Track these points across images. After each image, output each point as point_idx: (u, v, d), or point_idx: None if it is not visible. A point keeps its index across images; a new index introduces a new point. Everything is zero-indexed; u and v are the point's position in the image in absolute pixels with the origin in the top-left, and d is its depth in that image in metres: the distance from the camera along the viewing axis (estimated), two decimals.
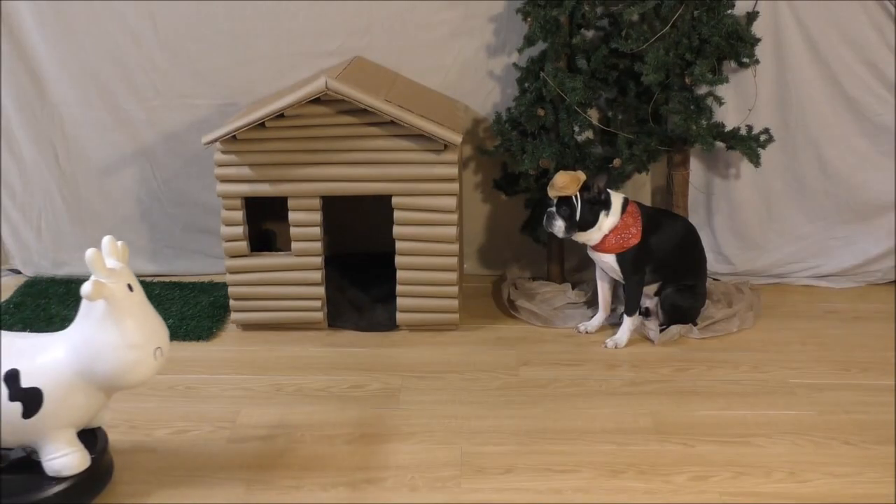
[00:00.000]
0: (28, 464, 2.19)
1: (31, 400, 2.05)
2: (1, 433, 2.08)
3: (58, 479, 2.12)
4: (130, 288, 2.04)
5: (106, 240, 2.08)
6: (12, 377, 2.05)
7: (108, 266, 2.02)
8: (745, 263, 3.50)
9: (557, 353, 2.96)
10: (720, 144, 3.23)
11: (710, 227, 3.50)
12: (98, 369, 2.04)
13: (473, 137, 3.44)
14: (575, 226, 2.90)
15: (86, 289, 1.97)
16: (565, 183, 2.85)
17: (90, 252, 1.98)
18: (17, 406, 2.05)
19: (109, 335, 2.01)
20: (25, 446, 2.17)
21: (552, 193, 2.89)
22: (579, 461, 2.37)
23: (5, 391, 2.04)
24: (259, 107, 2.92)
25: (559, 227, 2.91)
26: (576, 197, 2.87)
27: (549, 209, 2.92)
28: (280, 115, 2.83)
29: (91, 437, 2.24)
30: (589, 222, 2.90)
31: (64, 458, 2.12)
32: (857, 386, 2.75)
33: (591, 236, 2.93)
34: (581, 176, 2.88)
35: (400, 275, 3.02)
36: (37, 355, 2.07)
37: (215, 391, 2.74)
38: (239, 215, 2.96)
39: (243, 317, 3.10)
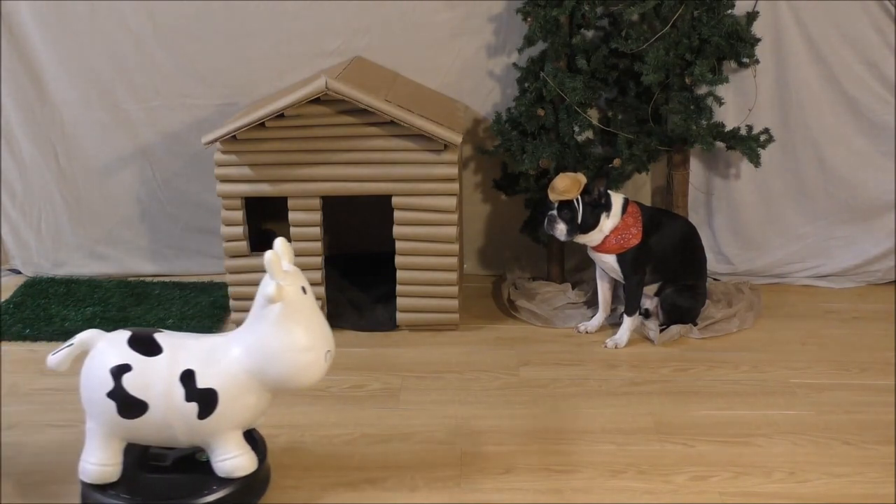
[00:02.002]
0: (190, 463, 2.19)
1: (206, 401, 2.04)
2: (174, 433, 2.07)
3: (228, 481, 2.12)
4: (304, 290, 2.04)
5: (279, 241, 2.05)
6: (188, 378, 2.04)
7: (283, 268, 2.01)
8: (745, 263, 3.50)
9: (557, 353, 2.96)
10: (720, 144, 3.23)
11: (710, 227, 3.49)
12: (271, 371, 2.03)
13: (473, 137, 3.44)
14: (577, 229, 2.89)
15: (269, 291, 1.96)
16: (566, 187, 2.84)
17: (269, 254, 1.97)
18: (193, 407, 2.04)
19: (284, 337, 2.01)
20: (195, 446, 2.17)
21: (553, 197, 2.88)
22: (579, 461, 2.37)
23: (181, 391, 2.03)
24: (259, 107, 2.92)
25: (561, 230, 2.90)
26: (577, 200, 2.86)
27: (551, 213, 2.91)
28: (280, 115, 2.83)
29: (249, 439, 2.22)
30: (590, 225, 2.89)
31: (235, 460, 2.11)
32: (857, 386, 2.75)
33: (593, 237, 2.93)
34: (582, 179, 2.87)
35: (400, 275, 3.02)
36: (211, 356, 2.06)
37: None
38: (239, 215, 2.96)
39: (243, 317, 3.07)
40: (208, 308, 3.27)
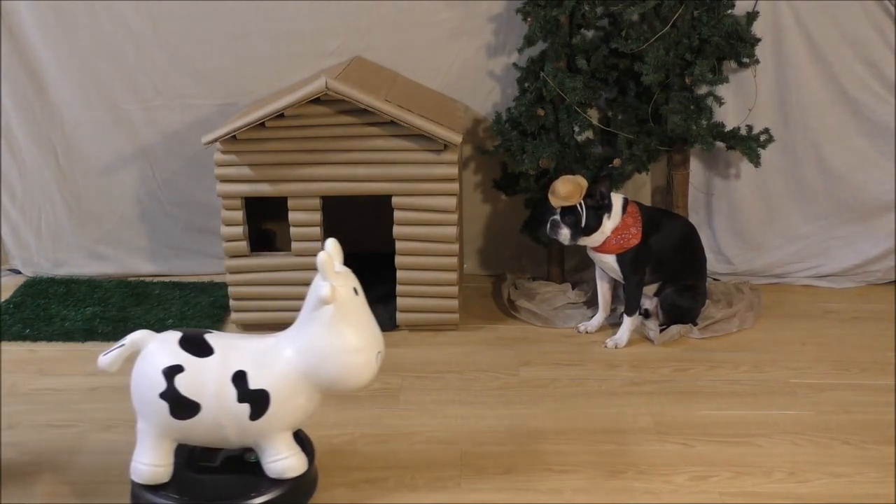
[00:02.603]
0: (238, 463, 2.19)
1: (258, 402, 2.04)
2: (226, 434, 2.07)
3: (279, 482, 2.12)
4: (356, 291, 2.04)
5: (331, 242, 2.04)
6: (240, 378, 2.04)
7: (336, 269, 2.01)
8: (745, 263, 3.50)
9: (557, 353, 2.96)
10: (720, 144, 3.23)
11: (710, 227, 3.49)
12: (322, 372, 2.03)
13: (473, 137, 3.44)
14: (580, 232, 2.89)
15: (323, 292, 1.96)
16: (569, 192, 2.83)
17: (322, 255, 1.97)
18: (245, 408, 2.03)
19: (337, 338, 2.00)
20: (244, 447, 2.16)
21: (556, 203, 2.86)
22: (579, 461, 2.37)
23: (234, 393, 2.03)
24: (259, 107, 2.92)
25: (565, 235, 2.89)
26: (580, 205, 2.86)
27: (553, 217, 2.90)
28: (280, 115, 2.83)
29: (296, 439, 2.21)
30: (593, 228, 2.89)
31: (286, 461, 2.11)
32: (857, 386, 2.75)
33: (594, 239, 2.93)
34: (583, 183, 2.86)
35: (400, 275, 3.02)
36: (262, 357, 2.06)
37: None
38: (239, 215, 2.96)
39: (243, 317, 3.10)
40: (208, 308, 3.27)
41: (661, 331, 3.02)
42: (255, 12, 3.29)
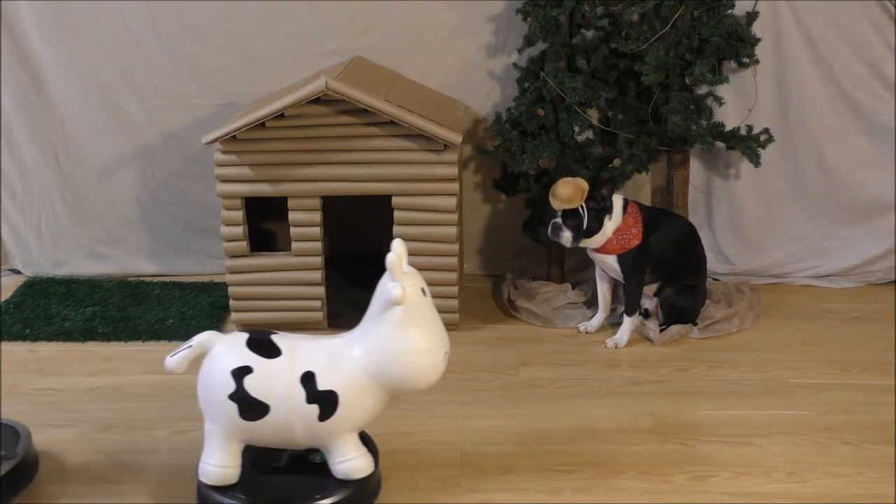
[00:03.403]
0: (303, 464, 2.19)
1: (327, 403, 2.03)
2: (294, 435, 2.07)
3: (346, 482, 2.11)
4: (423, 292, 2.04)
5: (398, 243, 2.04)
6: (309, 379, 2.03)
7: (404, 270, 2.01)
8: (745, 263, 3.50)
9: (557, 353, 2.96)
10: (720, 144, 3.23)
11: (710, 227, 3.50)
12: (391, 373, 2.02)
13: (473, 137, 3.44)
14: (582, 235, 2.89)
15: (395, 293, 1.96)
16: (570, 195, 2.83)
17: (392, 256, 1.98)
18: (314, 409, 2.03)
19: (405, 339, 2.00)
20: (311, 447, 2.16)
21: (557, 206, 2.86)
22: (579, 461, 2.37)
23: (302, 393, 2.03)
24: (259, 107, 2.92)
25: (567, 238, 2.89)
26: (582, 207, 2.85)
27: (555, 220, 2.89)
28: (280, 115, 2.83)
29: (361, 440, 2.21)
30: (595, 229, 2.89)
31: (354, 462, 2.11)
32: (857, 386, 2.75)
33: (595, 240, 2.93)
34: (584, 185, 2.86)
35: None
36: (330, 358, 2.06)
37: None
38: (239, 215, 2.96)
39: (243, 317, 3.10)
40: (208, 308, 3.27)
41: (661, 331, 3.02)
42: (255, 12, 3.29)
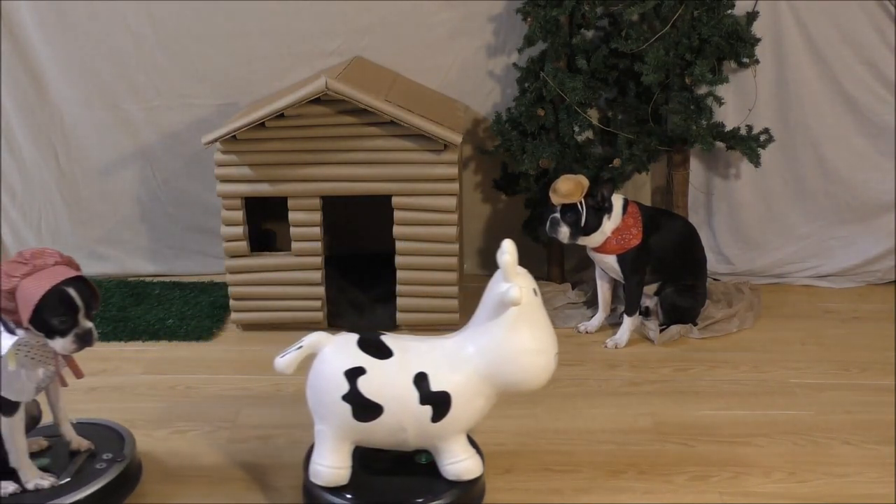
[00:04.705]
0: (409, 465, 2.17)
1: (440, 403, 2.02)
2: (406, 436, 2.06)
3: (456, 484, 2.09)
4: (535, 292, 2.03)
5: (509, 243, 2.01)
6: (422, 380, 2.02)
7: (517, 271, 2.00)
8: (745, 263, 3.50)
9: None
10: (720, 144, 3.23)
11: (710, 227, 3.50)
12: (505, 373, 2.02)
13: (473, 137, 3.44)
14: (580, 231, 2.89)
15: (513, 294, 1.95)
16: (569, 190, 2.83)
17: (507, 257, 1.96)
18: (427, 410, 2.02)
19: (520, 340, 2.00)
20: (423, 449, 2.14)
21: (556, 200, 2.86)
22: (579, 461, 2.37)
23: (416, 394, 2.01)
24: (259, 107, 2.92)
25: (565, 233, 2.89)
26: (581, 203, 2.86)
27: (554, 216, 2.90)
28: (280, 115, 2.83)
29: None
30: (593, 227, 2.89)
31: (465, 463, 2.09)
32: (857, 386, 2.75)
33: (594, 239, 2.93)
34: (584, 181, 2.86)
35: (400, 275, 3.02)
36: (442, 359, 2.05)
37: (215, 391, 2.74)
38: (239, 215, 2.96)
39: (243, 317, 3.10)
40: (208, 308, 3.27)
41: (661, 331, 3.02)
42: (255, 12, 3.29)
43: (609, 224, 2.91)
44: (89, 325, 2.01)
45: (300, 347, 2.06)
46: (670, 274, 3.03)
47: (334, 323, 3.14)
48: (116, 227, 3.56)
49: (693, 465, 2.35)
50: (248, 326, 3.12)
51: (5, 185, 3.53)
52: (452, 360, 2.05)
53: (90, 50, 3.35)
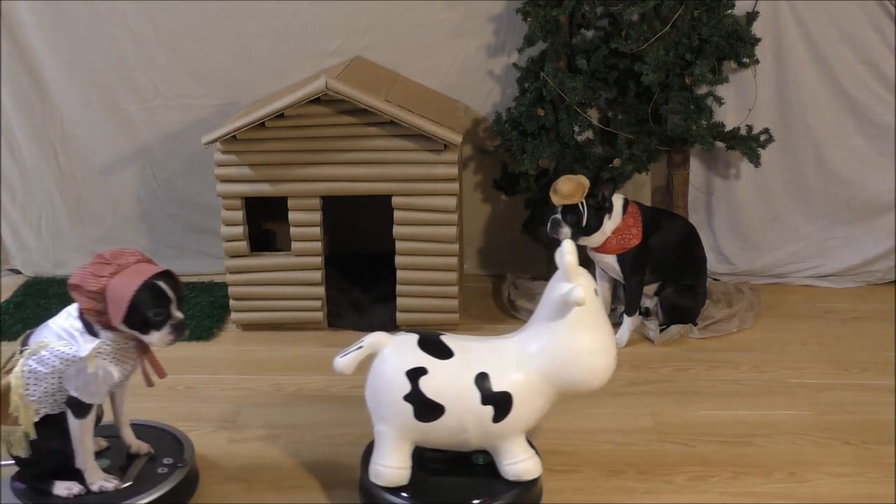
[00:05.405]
0: (466, 465, 2.17)
1: (502, 404, 2.02)
2: (468, 437, 2.05)
3: (515, 484, 2.09)
4: (596, 292, 2.03)
5: (568, 243, 2.00)
6: (483, 380, 2.02)
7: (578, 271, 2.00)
8: (745, 263, 3.50)
9: None
10: (720, 144, 3.23)
11: (710, 227, 3.50)
12: (566, 374, 2.02)
13: (473, 137, 3.44)
14: (581, 232, 2.89)
15: (578, 294, 1.94)
16: (570, 191, 2.83)
17: (568, 257, 1.96)
18: (489, 410, 2.01)
19: (582, 340, 2.00)
20: (481, 449, 2.14)
21: (557, 201, 2.86)
22: (579, 461, 2.37)
23: (477, 394, 2.01)
24: (259, 107, 2.92)
25: (565, 233, 2.88)
26: (582, 204, 2.85)
27: (554, 216, 2.89)
28: (280, 115, 2.83)
29: None
30: (594, 227, 2.89)
31: (525, 463, 2.09)
32: (857, 386, 2.75)
33: (595, 239, 2.93)
34: (585, 182, 2.86)
35: (400, 275, 3.02)
36: (503, 359, 2.04)
37: (215, 391, 2.75)
38: (239, 215, 2.96)
39: (243, 317, 3.10)
40: (208, 308, 3.27)
41: (661, 331, 3.02)
42: (255, 12, 3.29)
43: (609, 224, 2.90)
44: (181, 315, 2.02)
45: (360, 347, 2.06)
46: (670, 274, 3.03)
47: (334, 323, 3.14)
48: (116, 227, 3.56)
49: (693, 465, 2.35)
50: (248, 326, 3.12)
51: (5, 185, 3.53)
52: (514, 359, 2.04)
53: (90, 50, 3.35)
